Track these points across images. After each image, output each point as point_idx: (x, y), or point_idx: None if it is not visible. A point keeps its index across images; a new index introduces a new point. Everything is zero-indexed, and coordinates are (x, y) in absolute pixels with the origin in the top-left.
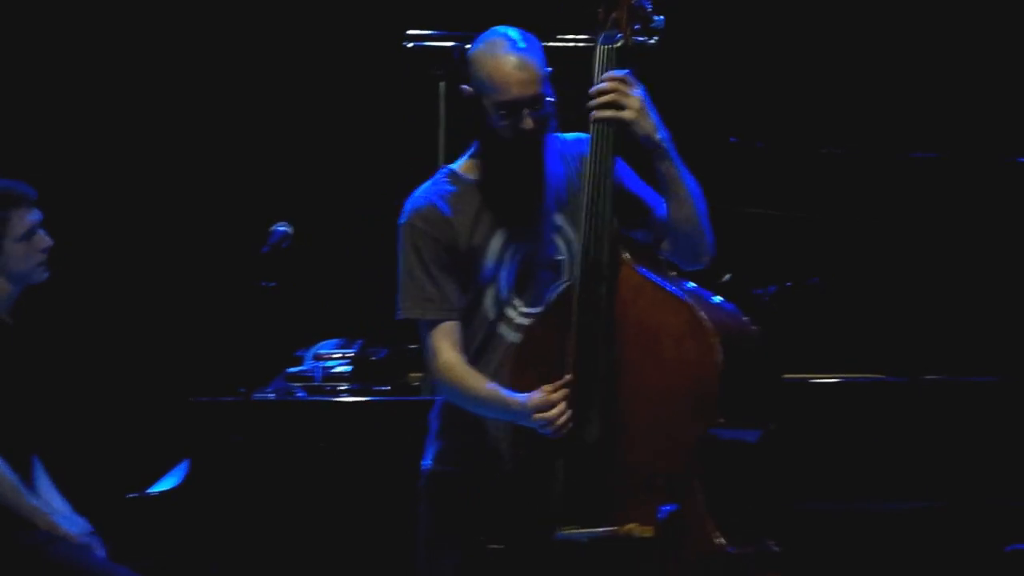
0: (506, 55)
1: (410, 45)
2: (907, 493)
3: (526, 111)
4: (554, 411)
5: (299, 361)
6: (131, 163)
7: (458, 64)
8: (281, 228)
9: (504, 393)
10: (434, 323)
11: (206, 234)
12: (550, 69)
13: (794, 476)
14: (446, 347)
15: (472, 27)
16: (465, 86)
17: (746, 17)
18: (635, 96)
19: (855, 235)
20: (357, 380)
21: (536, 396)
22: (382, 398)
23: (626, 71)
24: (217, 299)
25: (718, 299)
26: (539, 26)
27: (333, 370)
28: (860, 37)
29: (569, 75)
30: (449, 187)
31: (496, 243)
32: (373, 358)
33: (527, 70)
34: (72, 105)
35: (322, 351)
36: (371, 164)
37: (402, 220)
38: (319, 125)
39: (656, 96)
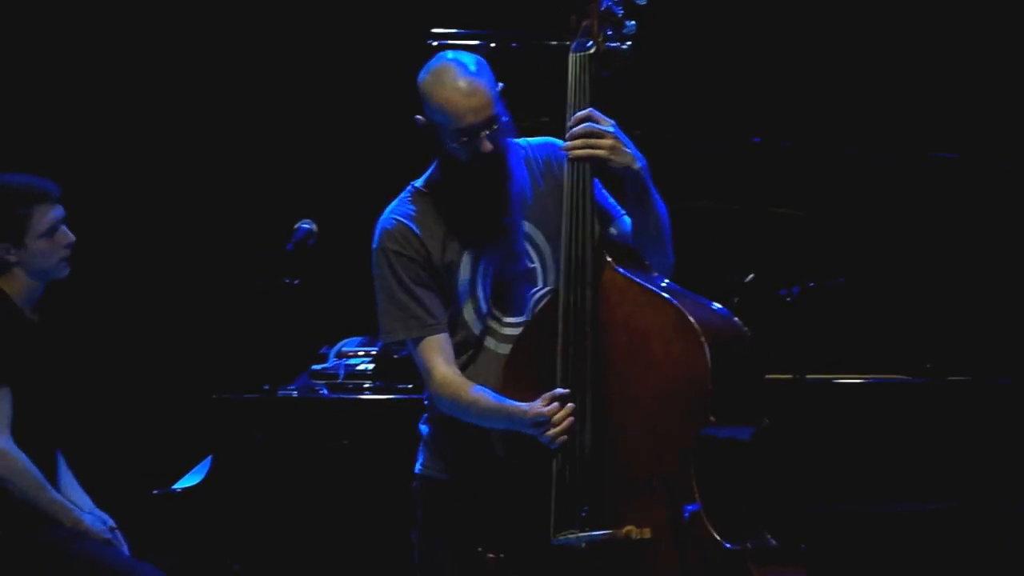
0: (455, 82)
1: (434, 43)
2: (928, 494)
3: (483, 135)
4: (554, 419)
5: (323, 359)
6: (156, 160)
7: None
8: (305, 226)
9: (505, 403)
10: (422, 340)
11: (231, 231)
12: (501, 85)
13: (816, 477)
14: (439, 363)
15: (497, 26)
16: (418, 116)
17: (772, 18)
18: (606, 132)
19: (879, 236)
20: (380, 378)
21: (536, 405)
22: (404, 396)
23: (590, 109)
24: (241, 296)
25: (703, 299)
26: (560, 26)
27: (356, 368)
28: (889, 38)
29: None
30: (415, 206)
31: (468, 259)
32: (396, 356)
33: (478, 95)
34: (98, 102)
35: (345, 349)
36: (395, 162)
37: (375, 244)
38: (343, 123)
39: (679, 95)
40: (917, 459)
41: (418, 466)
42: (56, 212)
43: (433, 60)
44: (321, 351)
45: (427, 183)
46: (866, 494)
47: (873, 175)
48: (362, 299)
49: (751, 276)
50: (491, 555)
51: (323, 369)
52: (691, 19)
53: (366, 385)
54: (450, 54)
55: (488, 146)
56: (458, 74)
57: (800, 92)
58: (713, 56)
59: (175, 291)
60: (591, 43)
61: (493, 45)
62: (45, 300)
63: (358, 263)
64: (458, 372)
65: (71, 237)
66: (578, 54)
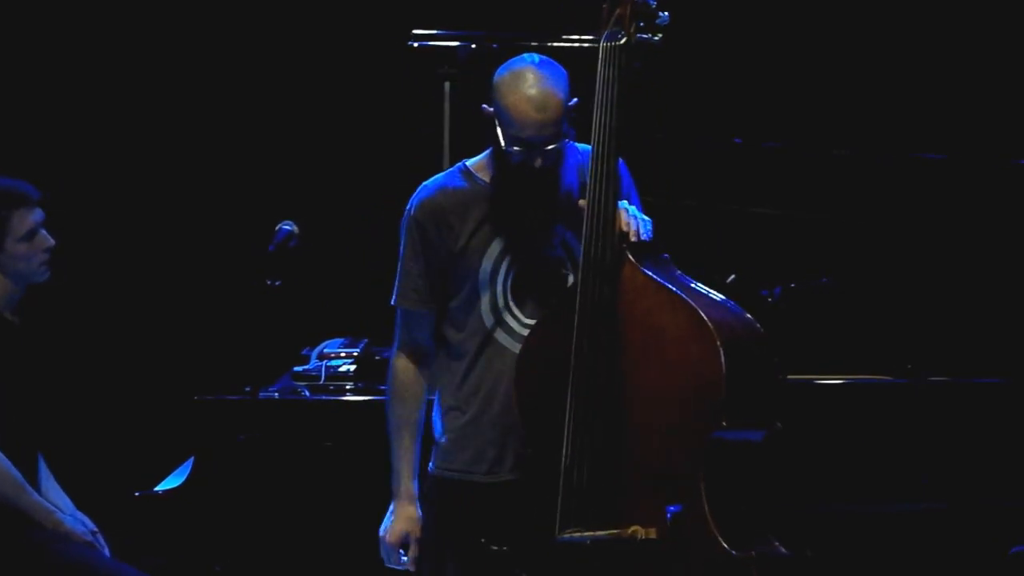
0: (528, 91)
1: (416, 44)
2: (911, 495)
3: (539, 150)
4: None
5: (305, 360)
6: (136, 162)
7: (463, 64)
8: (287, 227)
9: (404, 467)
10: (411, 312)
11: (212, 233)
12: (576, 101)
13: (798, 477)
14: (408, 343)
15: (478, 27)
16: (485, 106)
17: (753, 17)
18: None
19: (861, 236)
20: (362, 379)
21: (399, 543)
22: (387, 397)
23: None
24: (223, 298)
25: (723, 299)
26: (544, 26)
27: (338, 369)
28: (868, 37)
29: (574, 75)
30: (459, 183)
31: (495, 248)
32: (378, 357)
33: (547, 111)
34: (76, 104)
35: (327, 350)
36: (376, 163)
37: (408, 206)
38: (325, 124)
39: (661, 95)
40: (898, 460)
41: (430, 466)
42: (36, 216)
43: (516, 59)
44: (303, 352)
45: (477, 166)
46: (846, 495)
47: (856, 175)
48: (344, 300)
49: (732, 276)
50: (494, 547)
51: (305, 370)
52: (687, 18)
53: (348, 386)
54: (529, 57)
55: (540, 162)
56: (534, 83)
57: (787, 92)
58: (699, 52)
59: (156, 293)
60: (623, 34)
61: (474, 46)
62: (25, 302)
63: (340, 264)
64: (422, 376)
65: (51, 241)
66: (609, 44)
